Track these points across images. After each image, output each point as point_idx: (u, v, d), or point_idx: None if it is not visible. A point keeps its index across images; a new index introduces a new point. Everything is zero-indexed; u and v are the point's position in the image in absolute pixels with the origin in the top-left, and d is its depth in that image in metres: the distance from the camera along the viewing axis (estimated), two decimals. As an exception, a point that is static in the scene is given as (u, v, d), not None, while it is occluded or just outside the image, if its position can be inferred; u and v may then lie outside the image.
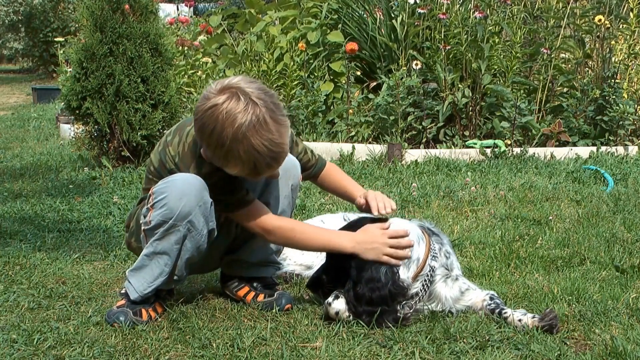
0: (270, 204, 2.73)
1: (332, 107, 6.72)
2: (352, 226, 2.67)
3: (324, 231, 2.73)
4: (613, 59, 6.89)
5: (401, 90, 6.10)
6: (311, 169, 2.87)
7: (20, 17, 16.79)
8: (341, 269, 2.58)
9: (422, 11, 6.59)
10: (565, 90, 6.94)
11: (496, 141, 5.96)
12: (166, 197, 2.46)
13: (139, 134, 5.37)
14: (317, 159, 2.89)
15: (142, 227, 2.55)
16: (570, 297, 2.75)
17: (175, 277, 2.59)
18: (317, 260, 3.02)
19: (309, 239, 2.62)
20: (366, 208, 2.78)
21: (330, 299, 2.56)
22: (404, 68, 6.46)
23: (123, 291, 2.65)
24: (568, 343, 2.38)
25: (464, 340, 2.38)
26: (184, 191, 2.45)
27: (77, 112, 5.46)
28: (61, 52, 9.11)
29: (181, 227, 2.47)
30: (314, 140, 6.17)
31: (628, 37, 6.80)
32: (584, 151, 6.04)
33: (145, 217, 2.53)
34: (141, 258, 2.57)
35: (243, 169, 2.43)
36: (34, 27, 16.71)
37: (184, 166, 2.52)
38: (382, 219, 2.67)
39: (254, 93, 2.37)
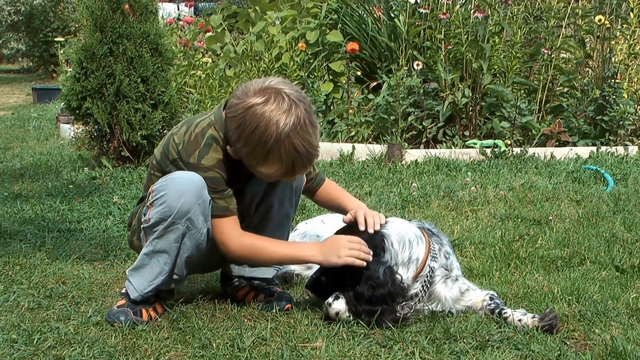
0: (274, 206, 2.73)
1: (332, 107, 6.72)
2: (350, 227, 2.66)
3: (287, 244, 2.72)
4: (613, 59, 6.89)
5: (401, 90, 6.10)
6: (310, 182, 2.86)
7: (20, 17, 16.79)
8: (340, 270, 2.58)
9: (422, 11, 6.60)
10: (565, 90, 6.94)
11: (496, 141, 5.96)
12: (165, 194, 2.46)
13: (139, 134, 5.36)
14: (317, 174, 2.88)
15: (142, 226, 2.55)
16: (570, 297, 2.75)
17: (175, 277, 2.59)
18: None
19: (270, 255, 2.60)
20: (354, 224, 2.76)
21: (330, 300, 2.56)
22: (405, 68, 6.46)
23: (123, 291, 2.65)
24: (568, 343, 2.38)
25: (464, 340, 2.38)
26: (183, 189, 2.45)
27: (77, 112, 5.46)
28: (61, 52, 9.12)
29: (180, 225, 2.47)
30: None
31: (628, 37, 6.81)
32: (584, 151, 6.04)
33: (145, 215, 2.54)
34: (141, 257, 2.57)
35: (280, 168, 2.48)
36: (34, 27, 16.72)
37: (186, 154, 2.52)
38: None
39: (293, 95, 2.44)
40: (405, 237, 2.59)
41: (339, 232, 2.69)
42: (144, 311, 2.55)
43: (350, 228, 2.65)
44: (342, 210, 2.82)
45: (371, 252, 2.53)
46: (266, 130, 2.39)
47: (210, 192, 2.51)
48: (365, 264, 2.51)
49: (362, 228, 2.58)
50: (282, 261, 2.75)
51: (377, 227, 2.58)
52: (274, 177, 2.57)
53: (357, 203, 2.84)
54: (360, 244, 2.54)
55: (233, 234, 2.55)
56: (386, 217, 2.69)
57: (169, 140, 2.58)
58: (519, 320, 2.49)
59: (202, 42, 7.66)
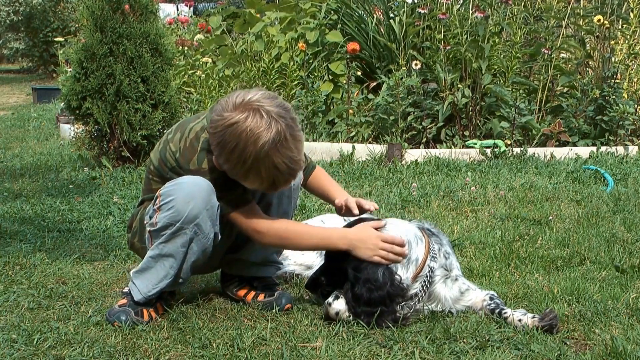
0: (272, 204, 2.74)
1: (332, 107, 6.72)
2: (351, 226, 2.66)
3: (317, 230, 2.75)
4: (613, 59, 6.89)
5: (401, 90, 6.10)
6: (304, 170, 2.87)
7: (20, 17, 16.80)
8: (339, 270, 2.58)
9: (421, 11, 6.60)
10: (565, 90, 6.94)
11: (496, 141, 5.96)
12: (174, 199, 2.46)
13: (139, 134, 5.37)
14: (309, 162, 2.89)
15: (148, 229, 2.55)
16: (570, 297, 2.75)
17: (180, 280, 2.59)
18: (317, 260, 3.02)
19: (302, 239, 2.62)
20: (346, 211, 2.77)
21: (330, 299, 2.56)
22: (404, 68, 6.46)
23: (125, 290, 2.65)
24: (568, 343, 2.38)
25: (464, 340, 2.38)
26: (191, 194, 2.45)
27: (77, 112, 5.46)
28: (61, 52, 9.13)
29: (188, 230, 2.47)
30: (314, 140, 6.17)
31: (628, 37, 6.81)
32: (584, 151, 6.04)
33: (151, 218, 2.53)
34: (146, 260, 2.57)
35: (261, 185, 2.48)
36: (34, 27, 16.72)
37: (185, 161, 2.53)
38: (378, 219, 2.68)
39: (274, 110, 2.40)
40: (404, 238, 2.59)
41: (352, 225, 2.68)
42: (145, 311, 2.55)
43: (350, 227, 2.65)
44: (328, 199, 2.86)
45: (405, 253, 2.54)
46: (245, 150, 2.37)
47: (221, 191, 2.51)
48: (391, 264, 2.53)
49: (355, 212, 2.67)
50: (315, 246, 2.75)
51: (371, 208, 2.69)
52: (257, 189, 2.57)
53: (343, 192, 2.84)
54: (393, 243, 2.53)
55: (262, 219, 2.56)
56: (386, 217, 2.70)
57: (165, 147, 2.58)
58: (519, 320, 2.49)
59: (197, 43, 7.66)
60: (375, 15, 7.20)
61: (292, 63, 6.88)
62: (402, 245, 2.54)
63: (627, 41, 6.82)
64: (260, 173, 2.42)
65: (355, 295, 2.51)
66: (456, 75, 6.42)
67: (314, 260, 3.07)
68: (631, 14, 6.79)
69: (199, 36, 8.04)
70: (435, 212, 4.20)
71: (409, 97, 6.22)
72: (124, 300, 2.59)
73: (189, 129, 2.56)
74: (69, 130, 6.83)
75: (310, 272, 2.90)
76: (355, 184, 5.01)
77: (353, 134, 6.26)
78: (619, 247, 3.47)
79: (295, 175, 2.53)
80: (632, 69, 6.89)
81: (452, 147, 6.09)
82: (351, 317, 2.53)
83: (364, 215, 2.82)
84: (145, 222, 2.58)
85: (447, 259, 2.66)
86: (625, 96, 6.72)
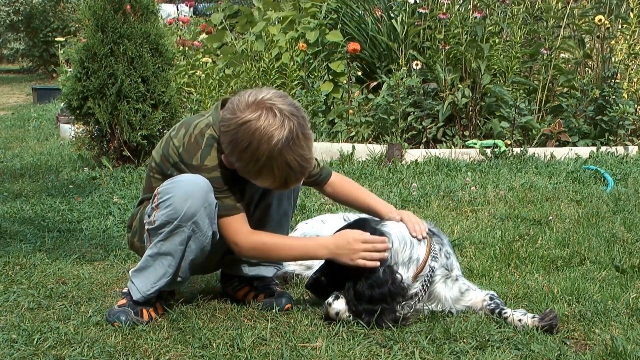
0: (272, 205, 2.73)
1: (332, 107, 6.72)
2: (351, 226, 2.66)
3: (297, 242, 2.74)
4: (613, 59, 6.89)
5: (401, 90, 6.10)
6: (315, 177, 2.84)
7: (20, 17, 16.80)
8: (339, 270, 2.58)
9: (422, 11, 6.60)
10: (565, 90, 6.94)
11: (496, 141, 5.96)
12: (171, 197, 2.46)
13: (139, 134, 5.37)
14: (322, 168, 2.85)
15: (146, 227, 2.55)
16: (570, 297, 2.75)
17: (178, 279, 2.59)
18: (317, 260, 3.01)
19: (281, 252, 2.62)
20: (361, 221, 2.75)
21: (330, 299, 2.56)
22: (404, 68, 6.47)
23: (125, 290, 2.65)
24: (568, 343, 2.38)
25: (464, 340, 2.38)
26: (189, 192, 2.45)
27: (78, 112, 5.46)
28: (61, 52, 9.13)
29: (186, 228, 2.47)
30: (314, 140, 6.16)
31: (628, 37, 6.81)
32: (584, 151, 6.04)
33: (149, 216, 2.53)
34: (145, 258, 2.57)
35: (273, 183, 2.49)
36: (34, 27, 16.71)
37: (188, 157, 2.52)
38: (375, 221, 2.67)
39: (286, 109, 2.42)
40: (406, 237, 2.59)
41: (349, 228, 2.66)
42: (144, 311, 2.55)
43: (358, 225, 2.64)
44: (371, 212, 2.80)
45: (388, 249, 2.53)
46: (258, 148, 2.39)
47: (216, 192, 2.51)
48: (378, 264, 2.51)
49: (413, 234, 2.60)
50: (293, 259, 2.84)
51: (422, 237, 2.61)
52: (269, 188, 2.57)
53: (387, 206, 2.80)
54: (373, 242, 2.53)
55: (243, 232, 2.56)
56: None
57: (168, 143, 2.58)
58: (519, 320, 2.49)
59: (199, 42, 7.66)
60: (375, 15, 7.20)
61: (292, 63, 6.88)
62: (383, 242, 2.53)
63: (627, 41, 6.82)
64: (273, 171, 2.43)
65: (357, 292, 2.51)
66: (456, 75, 6.42)
67: (314, 260, 3.06)
68: (631, 14, 6.79)
69: (203, 35, 8.04)
70: (435, 212, 4.20)
71: (409, 97, 6.23)
72: (124, 301, 2.59)
73: (194, 125, 2.56)
74: (69, 130, 6.83)
75: (310, 272, 2.90)
76: (355, 184, 5.00)
77: (353, 134, 6.26)
78: (619, 247, 3.47)
79: (306, 174, 2.54)
80: (632, 69, 6.89)
81: (452, 147, 6.09)
82: (351, 317, 2.53)
83: (364, 216, 2.83)
84: (144, 220, 2.58)
85: (448, 259, 2.67)
86: (625, 96, 6.72)
